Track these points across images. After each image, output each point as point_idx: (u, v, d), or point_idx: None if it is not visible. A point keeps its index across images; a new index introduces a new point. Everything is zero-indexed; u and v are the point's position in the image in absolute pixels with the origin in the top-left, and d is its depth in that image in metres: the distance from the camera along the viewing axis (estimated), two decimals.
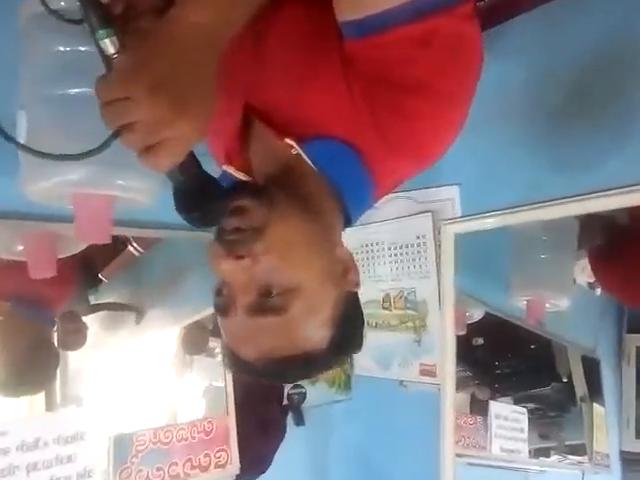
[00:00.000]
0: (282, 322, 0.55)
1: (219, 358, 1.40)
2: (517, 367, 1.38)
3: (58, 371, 1.29)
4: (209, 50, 0.46)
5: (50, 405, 1.25)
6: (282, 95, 0.62)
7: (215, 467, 1.23)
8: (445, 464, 1.18)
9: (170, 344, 1.48)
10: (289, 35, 0.61)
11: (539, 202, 1.01)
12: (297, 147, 0.61)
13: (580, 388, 1.33)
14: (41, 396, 1.25)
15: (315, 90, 0.60)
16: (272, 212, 0.56)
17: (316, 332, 0.58)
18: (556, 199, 0.98)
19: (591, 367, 1.31)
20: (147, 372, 1.46)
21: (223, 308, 0.57)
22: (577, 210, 0.99)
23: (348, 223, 0.67)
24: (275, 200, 0.57)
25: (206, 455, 1.21)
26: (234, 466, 1.27)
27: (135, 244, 1.42)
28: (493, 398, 1.31)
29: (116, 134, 0.43)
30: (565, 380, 1.34)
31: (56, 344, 1.30)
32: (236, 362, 0.59)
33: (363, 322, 0.66)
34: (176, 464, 1.17)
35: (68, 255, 1.10)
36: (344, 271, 0.62)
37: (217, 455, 1.23)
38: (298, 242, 0.57)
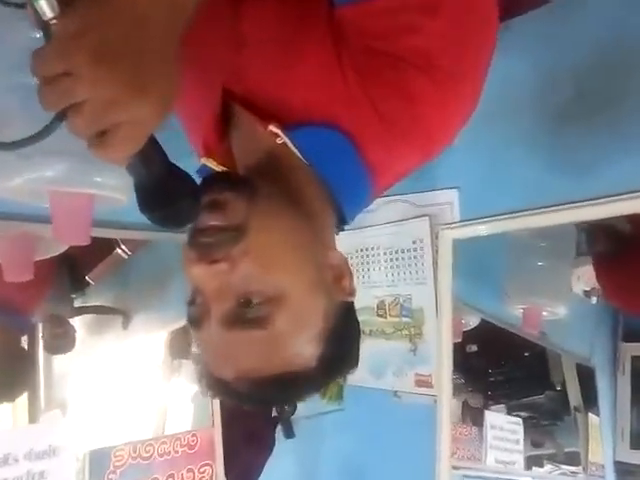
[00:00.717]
0: (264, 336, 0.49)
1: None
2: (511, 375, 1.36)
3: (42, 376, 1.26)
4: (172, 15, 0.38)
5: (34, 411, 1.22)
6: (264, 76, 0.56)
7: None
8: (441, 478, 1.15)
9: (157, 348, 1.46)
10: (269, 6, 0.55)
11: (542, 207, 0.98)
12: (282, 135, 0.54)
13: (574, 397, 1.30)
14: (24, 401, 1.22)
15: (301, 69, 0.54)
16: (253, 207, 0.49)
17: (304, 348, 0.51)
18: (560, 204, 0.95)
19: (586, 376, 1.28)
20: (134, 377, 1.43)
21: (196, 319, 0.50)
22: (584, 216, 0.95)
23: (342, 223, 0.61)
24: (257, 193, 0.51)
25: (189, 470, 1.15)
26: None
27: (123, 246, 1.39)
28: (486, 406, 1.30)
29: (60, 118, 0.36)
30: (559, 388, 1.32)
31: (43, 348, 1.27)
32: (213, 383, 0.52)
33: (359, 336, 0.59)
34: None
35: (46, 257, 1.05)
36: (337, 278, 0.55)
37: (201, 470, 1.17)
38: (283, 243, 0.51)
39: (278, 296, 0.49)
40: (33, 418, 1.24)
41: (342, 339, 0.54)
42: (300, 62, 0.53)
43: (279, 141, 0.54)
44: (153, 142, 0.41)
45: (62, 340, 1.31)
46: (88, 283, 1.46)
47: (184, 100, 0.63)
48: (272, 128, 0.54)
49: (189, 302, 0.52)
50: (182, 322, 1.33)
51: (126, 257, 1.41)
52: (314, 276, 0.52)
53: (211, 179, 0.53)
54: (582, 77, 0.91)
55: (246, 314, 0.48)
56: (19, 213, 0.91)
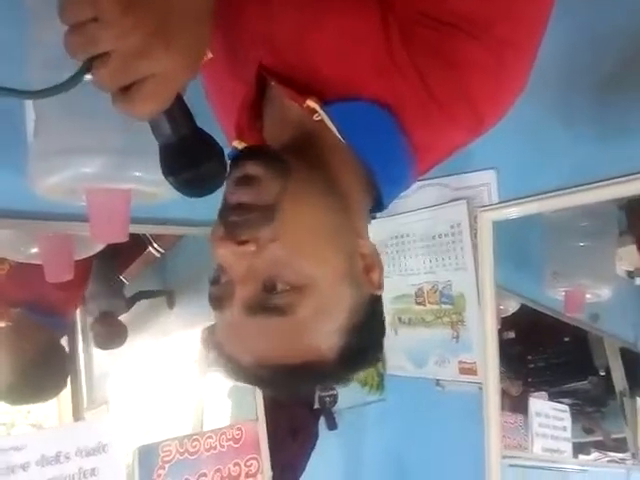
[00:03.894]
0: (286, 325, 0.46)
1: None
2: (551, 360, 1.33)
3: (84, 374, 1.29)
4: None
5: (77, 409, 1.24)
6: (291, 35, 0.51)
7: (246, 477, 1.17)
8: (491, 468, 1.12)
9: (194, 345, 1.47)
10: None
11: (585, 184, 0.94)
12: (320, 111, 0.50)
13: (619, 381, 1.26)
14: (68, 399, 1.24)
15: (334, 25, 0.49)
16: (287, 186, 0.46)
17: (325, 340, 0.48)
18: (604, 180, 0.91)
19: (631, 360, 1.23)
20: (172, 373, 1.44)
21: (218, 299, 0.48)
22: (630, 191, 0.91)
23: (379, 208, 0.57)
24: (292, 173, 0.47)
25: (236, 464, 1.15)
26: (266, 475, 1.21)
27: (156, 244, 1.39)
28: (526, 393, 1.27)
29: (85, 69, 0.35)
30: (603, 374, 1.28)
31: (94, 344, 1.30)
32: (230, 365, 0.50)
33: (383, 332, 0.55)
34: (205, 475, 1.12)
35: (85, 256, 1.06)
36: (366, 269, 0.52)
37: (248, 464, 1.17)
38: (315, 228, 0.48)
39: (304, 284, 0.47)
40: (77, 416, 1.27)
41: (365, 333, 0.51)
42: (334, 16, 0.49)
43: (316, 118, 0.50)
44: (180, 101, 0.40)
45: (113, 336, 1.34)
46: (123, 282, 1.47)
47: (216, 80, 0.61)
48: (310, 103, 0.50)
49: (212, 281, 0.49)
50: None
51: (158, 255, 1.42)
52: (344, 265, 0.49)
53: (244, 152, 0.51)
54: (630, 41, 0.85)
55: (269, 300, 0.46)
56: (58, 213, 0.91)
